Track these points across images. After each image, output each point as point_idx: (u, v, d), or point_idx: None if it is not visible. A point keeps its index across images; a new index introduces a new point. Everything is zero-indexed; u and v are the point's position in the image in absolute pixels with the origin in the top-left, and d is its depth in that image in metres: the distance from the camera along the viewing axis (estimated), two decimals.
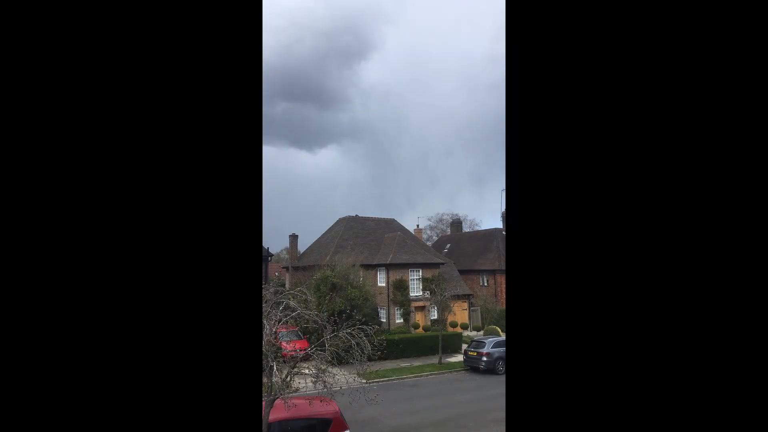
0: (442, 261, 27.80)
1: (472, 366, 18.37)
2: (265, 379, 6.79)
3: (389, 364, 19.22)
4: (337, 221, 30.69)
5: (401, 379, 17.31)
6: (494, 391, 15.09)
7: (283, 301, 7.72)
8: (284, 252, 40.10)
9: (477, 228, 49.93)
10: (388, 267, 25.18)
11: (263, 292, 7.41)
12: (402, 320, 24.89)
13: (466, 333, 27.27)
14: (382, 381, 16.38)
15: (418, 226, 34.84)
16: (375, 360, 14.46)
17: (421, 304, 25.78)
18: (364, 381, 12.64)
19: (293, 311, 7.99)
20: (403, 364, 19.71)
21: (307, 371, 7.56)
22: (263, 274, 28.26)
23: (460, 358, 20.60)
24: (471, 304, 30.00)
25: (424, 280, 24.48)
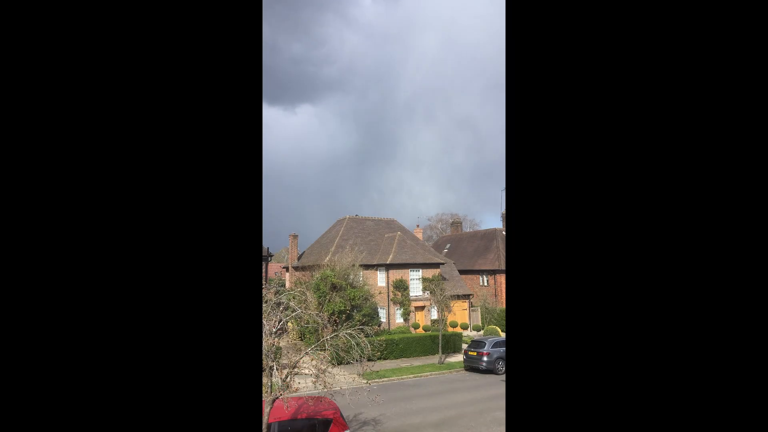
0: (442, 261, 27.78)
1: (472, 366, 18.36)
2: (265, 379, 6.79)
3: (389, 364, 19.22)
4: (337, 221, 30.70)
5: (401, 379, 17.30)
6: (494, 391, 15.08)
7: (283, 302, 7.72)
8: (284, 252, 40.14)
9: (477, 228, 49.98)
10: (388, 267, 25.17)
11: (263, 292, 7.40)
12: (402, 320, 24.88)
13: (466, 333, 27.25)
14: (382, 381, 16.38)
15: (418, 225, 34.81)
16: (375, 360, 14.49)
17: (421, 304, 25.77)
18: (364, 381, 12.63)
19: (293, 311, 7.99)
20: (403, 364, 19.70)
21: (307, 371, 7.56)
22: (263, 274, 28.25)
23: (460, 358, 20.58)
24: (471, 304, 30.00)
25: (424, 280, 24.46)
